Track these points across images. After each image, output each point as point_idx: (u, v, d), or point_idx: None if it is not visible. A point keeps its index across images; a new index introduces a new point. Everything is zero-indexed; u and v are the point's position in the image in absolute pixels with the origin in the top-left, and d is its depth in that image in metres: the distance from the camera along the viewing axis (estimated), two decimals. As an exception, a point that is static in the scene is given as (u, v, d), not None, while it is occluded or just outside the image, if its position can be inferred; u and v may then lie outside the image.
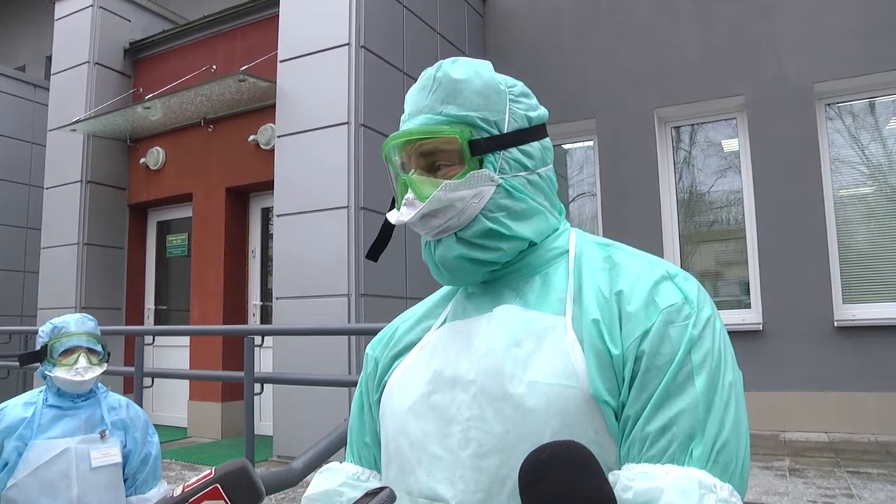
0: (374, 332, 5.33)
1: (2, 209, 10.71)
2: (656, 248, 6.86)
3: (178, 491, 0.87)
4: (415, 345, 1.15)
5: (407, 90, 1.07)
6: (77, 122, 7.93)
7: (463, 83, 1.05)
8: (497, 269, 1.07)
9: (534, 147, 1.08)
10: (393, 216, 1.10)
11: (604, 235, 7.21)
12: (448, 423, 0.99)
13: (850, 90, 6.58)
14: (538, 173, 1.09)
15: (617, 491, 0.83)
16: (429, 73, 1.09)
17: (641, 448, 0.87)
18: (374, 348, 1.24)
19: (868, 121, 6.65)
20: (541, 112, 1.12)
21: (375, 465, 1.17)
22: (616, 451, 0.90)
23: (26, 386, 8.20)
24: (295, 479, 2.35)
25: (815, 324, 6.25)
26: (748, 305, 6.76)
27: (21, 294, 10.67)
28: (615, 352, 0.92)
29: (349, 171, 6.08)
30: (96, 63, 8.39)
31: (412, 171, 1.07)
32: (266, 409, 6.68)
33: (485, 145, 1.04)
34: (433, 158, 1.06)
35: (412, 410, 1.04)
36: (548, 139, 1.13)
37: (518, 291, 1.06)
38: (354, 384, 5.67)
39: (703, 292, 0.98)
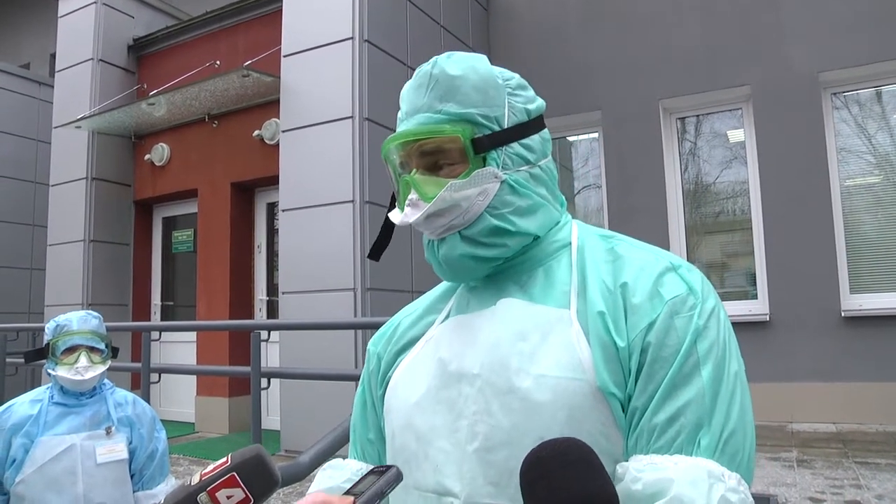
0: (380, 327, 5.32)
1: (8, 207, 10.75)
2: (662, 240, 6.84)
3: (195, 479, 0.88)
4: (418, 340, 1.15)
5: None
6: (82, 119, 7.94)
7: (460, 79, 1.04)
8: (500, 264, 1.07)
9: (534, 140, 1.07)
10: (395, 216, 1.09)
11: (609, 227, 7.17)
12: (455, 418, 0.99)
13: (857, 79, 6.53)
14: (539, 166, 1.07)
15: (626, 482, 0.84)
16: (424, 69, 1.07)
17: (649, 439, 0.87)
18: (375, 344, 1.23)
19: (875, 110, 6.61)
20: (539, 103, 1.10)
21: (380, 461, 1.17)
22: (623, 443, 0.90)
23: (35, 383, 8.23)
24: (302, 473, 2.35)
25: (822, 314, 6.23)
26: (755, 296, 6.75)
27: (28, 291, 10.71)
28: (621, 344, 0.91)
29: (353, 166, 6.08)
30: (100, 60, 8.40)
31: (413, 171, 1.05)
32: (273, 404, 6.70)
33: (487, 143, 1.03)
34: (435, 158, 1.04)
35: (419, 405, 1.04)
36: (546, 130, 1.11)
37: (521, 285, 1.06)
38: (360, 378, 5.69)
39: (706, 283, 0.98)
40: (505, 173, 1.03)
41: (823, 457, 4.98)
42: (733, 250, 7.16)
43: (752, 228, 6.85)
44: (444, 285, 1.22)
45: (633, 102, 7.29)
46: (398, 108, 1.12)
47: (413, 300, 1.26)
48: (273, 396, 6.63)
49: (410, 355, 1.13)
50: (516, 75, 1.10)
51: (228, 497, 0.86)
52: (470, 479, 0.94)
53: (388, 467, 0.87)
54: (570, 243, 1.08)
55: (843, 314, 6.16)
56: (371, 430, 1.19)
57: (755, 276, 6.78)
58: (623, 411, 0.90)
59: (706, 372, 0.88)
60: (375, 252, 1.23)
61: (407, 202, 1.04)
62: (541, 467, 0.76)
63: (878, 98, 6.60)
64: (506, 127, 1.04)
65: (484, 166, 1.02)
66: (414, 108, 1.06)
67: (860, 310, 6.20)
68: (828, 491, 4.21)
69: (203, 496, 0.85)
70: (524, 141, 1.06)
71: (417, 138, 1.04)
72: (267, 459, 0.90)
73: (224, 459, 0.89)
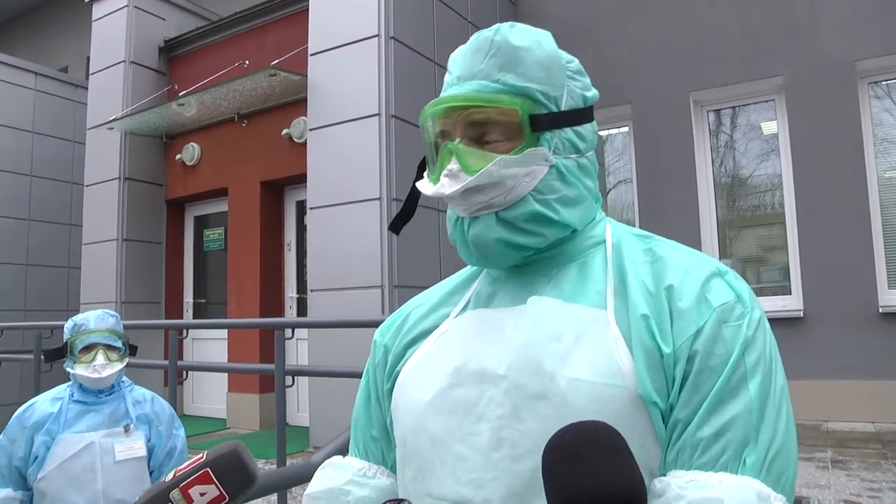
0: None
1: (47, 207, 10.99)
2: (694, 235, 6.73)
3: (169, 476, 0.86)
4: (430, 332, 1.09)
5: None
6: (114, 120, 8.08)
7: (524, 51, 0.98)
8: (530, 255, 1.01)
9: (586, 129, 1.03)
10: (426, 187, 1.03)
11: (640, 222, 7.13)
12: (475, 421, 0.93)
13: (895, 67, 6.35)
14: (587, 157, 1.03)
15: (667, 499, 0.80)
16: (485, 35, 1.01)
17: (692, 454, 0.83)
18: (383, 335, 1.18)
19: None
20: (594, 92, 1.06)
21: (383, 460, 1.12)
22: (660, 455, 0.86)
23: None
24: (314, 473, 2.34)
25: (858, 310, 6.06)
26: (788, 291, 6.60)
27: (66, 289, 10.95)
28: (666, 350, 0.87)
29: (381, 163, 6.08)
30: (132, 62, 8.53)
31: (457, 140, 0.98)
32: (303, 401, 6.75)
33: (546, 122, 0.97)
34: (482, 129, 0.98)
35: (432, 405, 0.98)
36: (595, 122, 1.07)
37: (552, 280, 1.00)
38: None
39: (752, 292, 0.93)
40: (555, 158, 0.98)
41: (860, 458, 4.85)
42: (766, 245, 7.01)
43: (785, 222, 6.71)
44: (460, 276, 1.17)
45: (662, 95, 7.18)
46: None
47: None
48: (302, 393, 6.67)
49: (422, 349, 1.07)
50: (576, 59, 1.06)
51: (202, 494, 0.84)
52: (493, 489, 0.89)
53: (400, 501, 0.84)
54: (605, 240, 1.03)
55: (880, 310, 5.99)
56: (375, 426, 1.13)
57: (789, 271, 6.64)
58: (663, 422, 0.86)
59: (754, 386, 0.84)
60: (397, 224, 1.17)
61: (445, 172, 0.97)
62: (564, 450, 0.72)
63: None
64: (563, 110, 1.00)
65: (536, 146, 0.97)
66: (468, 74, 1.00)
67: (899, 305, 6.03)
68: (864, 494, 4.10)
69: (175, 493, 0.84)
70: (578, 128, 1.01)
71: (469, 104, 0.97)
72: (244, 456, 0.88)
73: (200, 455, 0.88)
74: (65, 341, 2.62)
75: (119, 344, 2.64)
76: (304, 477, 2.30)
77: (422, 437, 0.98)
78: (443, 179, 0.98)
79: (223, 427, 7.58)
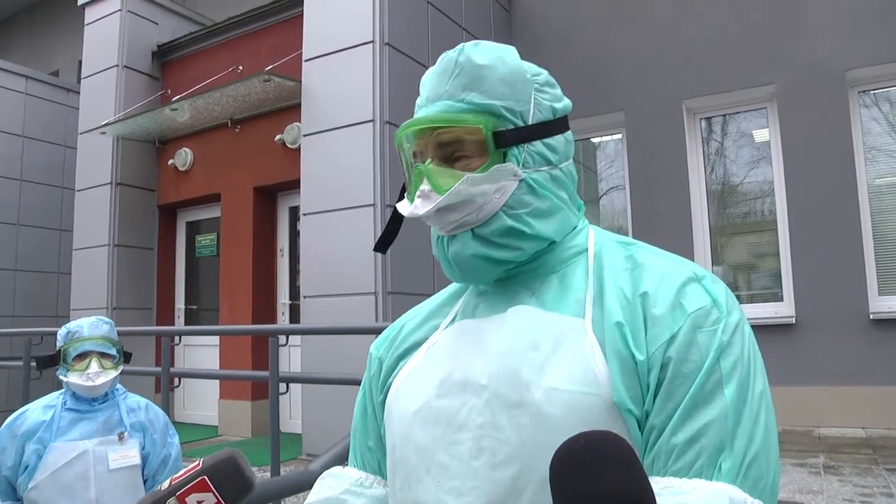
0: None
1: (37, 212, 10.90)
2: (686, 241, 6.75)
3: (165, 484, 0.85)
4: (421, 344, 1.10)
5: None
6: (106, 124, 8.04)
7: (487, 69, 0.99)
8: (512, 268, 1.02)
9: (558, 140, 1.03)
10: (404, 208, 1.04)
11: (633, 228, 7.14)
12: (457, 430, 0.94)
13: (886, 76, 6.39)
14: (560, 168, 1.03)
15: None
16: (449, 56, 1.03)
17: (667, 461, 0.82)
18: (378, 348, 1.18)
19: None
20: (565, 103, 1.07)
21: (379, 471, 1.13)
22: None
23: (59, 386, 8.33)
24: (312, 481, 2.33)
25: (849, 316, 6.09)
26: (780, 298, 6.63)
27: (56, 295, 10.86)
28: (640, 357, 0.87)
29: (375, 169, 6.08)
30: (125, 66, 8.50)
31: (428, 160, 1.01)
32: (295, 408, 6.71)
33: (510, 137, 0.99)
34: (452, 149, 1.00)
35: (418, 415, 0.99)
36: (570, 132, 1.07)
37: (534, 291, 1.01)
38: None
39: (731, 296, 0.93)
40: (525, 172, 0.99)
41: (852, 463, 4.87)
42: (759, 251, 7.04)
43: (777, 229, 6.74)
44: (451, 288, 1.18)
45: (656, 103, 7.21)
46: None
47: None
48: (295, 400, 6.64)
49: (412, 361, 1.08)
50: (545, 71, 1.07)
51: (199, 502, 0.84)
52: (473, 497, 0.90)
53: None
54: (587, 249, 1.03)
55: (871, 316, 6.03)
56: (371, 437, 1.15)
57: (781, 278, 6.66)
58: (640, 429, 0.86)
59: (729, 391, 0.83)
60: (382, 244, 1.18)
61: (418, 193, 1.00)
62: (571, 461, 0.71)
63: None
64: (530, 123, 1.00)
65: (504, 162, 0.98)
66: (435, 95, 1.02)
67: (890, 312, 6.05)
68: (856, 499, 4.11)
69: (172, 501, 0.83)
70: (547, 140, 1.02)
71: (435, 126, 0.99)
72: (241, 463, 0.88)
73: (196, 463, 0.87)
74: (58, 349, 2.58)
75: (113, 351, 2.60)
76: (302, 485, 2.30)
77: (409, 446, 1.00)
78: (417, 200, 1.00)
79: (215, 434, 7.53)
